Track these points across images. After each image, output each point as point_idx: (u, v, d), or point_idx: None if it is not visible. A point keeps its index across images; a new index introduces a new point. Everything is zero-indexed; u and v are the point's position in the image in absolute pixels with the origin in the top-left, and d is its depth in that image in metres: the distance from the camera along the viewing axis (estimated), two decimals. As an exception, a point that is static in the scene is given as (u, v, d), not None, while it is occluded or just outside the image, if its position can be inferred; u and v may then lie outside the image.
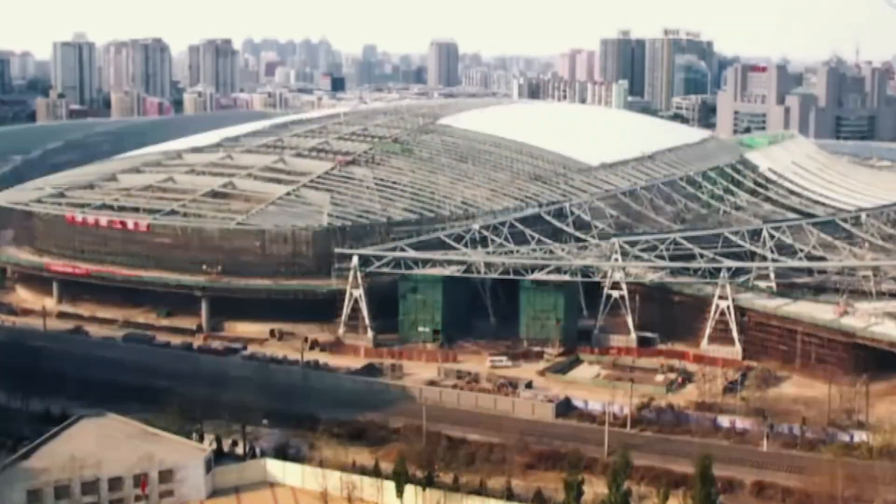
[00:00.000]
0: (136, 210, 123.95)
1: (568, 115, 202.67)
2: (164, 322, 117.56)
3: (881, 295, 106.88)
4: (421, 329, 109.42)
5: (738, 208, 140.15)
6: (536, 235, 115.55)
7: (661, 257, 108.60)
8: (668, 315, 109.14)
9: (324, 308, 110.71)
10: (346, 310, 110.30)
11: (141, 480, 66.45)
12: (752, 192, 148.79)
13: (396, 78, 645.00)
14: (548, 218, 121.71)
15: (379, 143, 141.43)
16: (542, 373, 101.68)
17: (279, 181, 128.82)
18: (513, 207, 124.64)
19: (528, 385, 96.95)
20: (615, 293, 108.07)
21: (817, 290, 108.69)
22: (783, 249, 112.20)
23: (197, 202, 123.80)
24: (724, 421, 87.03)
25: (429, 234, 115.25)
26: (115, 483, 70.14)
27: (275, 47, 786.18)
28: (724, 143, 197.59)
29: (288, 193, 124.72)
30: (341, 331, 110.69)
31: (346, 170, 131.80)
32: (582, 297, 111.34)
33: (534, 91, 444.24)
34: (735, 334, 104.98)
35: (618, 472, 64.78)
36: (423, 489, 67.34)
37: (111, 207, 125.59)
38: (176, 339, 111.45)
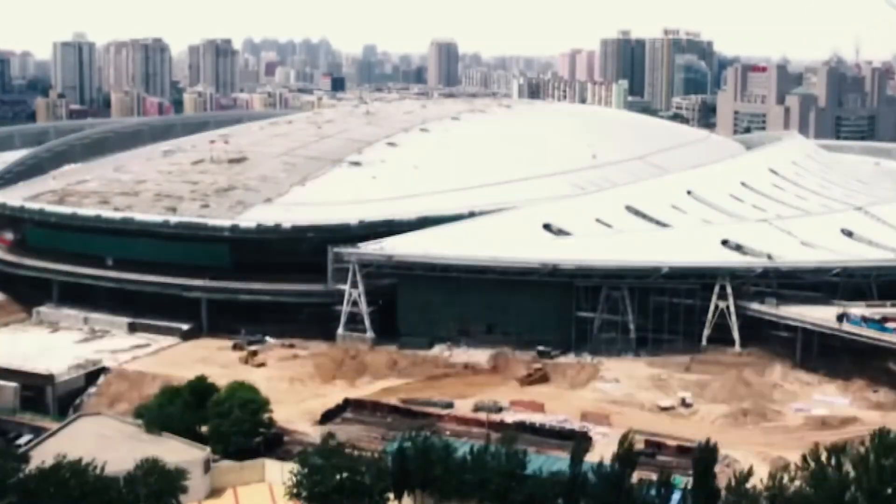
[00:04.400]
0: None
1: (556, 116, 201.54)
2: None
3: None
4: None
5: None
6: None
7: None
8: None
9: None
10: (344, 310, 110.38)
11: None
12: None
13: (396, 78, 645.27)
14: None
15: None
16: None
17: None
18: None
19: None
20: (615, 293, 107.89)
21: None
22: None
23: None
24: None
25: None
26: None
27: (275, 47, 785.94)
28: (723, 142, 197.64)
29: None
30: (340, 331, 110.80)
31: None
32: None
33: (534, 91, 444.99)
34: (736, 337, 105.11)
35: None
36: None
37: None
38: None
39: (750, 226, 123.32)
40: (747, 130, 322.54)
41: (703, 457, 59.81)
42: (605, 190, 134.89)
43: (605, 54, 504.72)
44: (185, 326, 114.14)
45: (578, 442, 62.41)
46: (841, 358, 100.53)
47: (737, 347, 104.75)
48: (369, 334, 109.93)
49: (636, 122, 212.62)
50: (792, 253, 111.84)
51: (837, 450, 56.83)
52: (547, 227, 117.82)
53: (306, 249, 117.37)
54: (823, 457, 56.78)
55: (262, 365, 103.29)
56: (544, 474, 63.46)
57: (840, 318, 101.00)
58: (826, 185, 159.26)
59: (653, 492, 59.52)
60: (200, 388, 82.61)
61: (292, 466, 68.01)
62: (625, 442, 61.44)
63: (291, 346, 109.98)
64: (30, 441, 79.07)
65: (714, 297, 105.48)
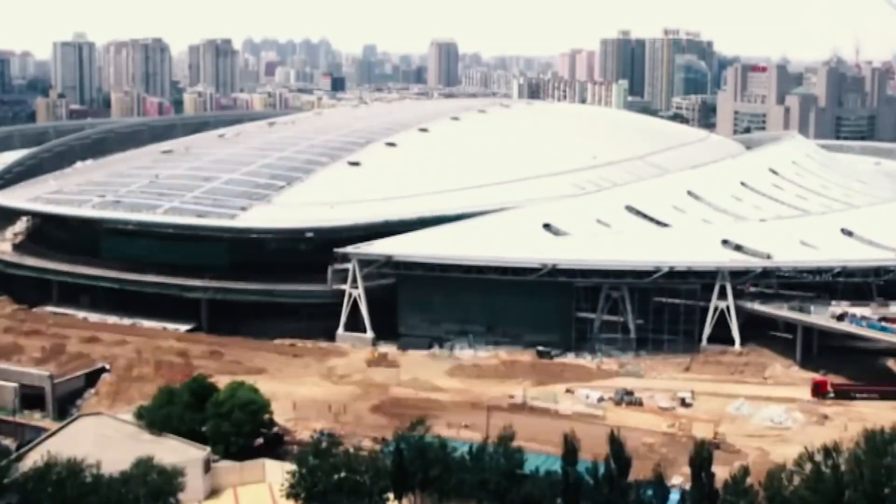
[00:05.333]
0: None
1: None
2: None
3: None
4: None
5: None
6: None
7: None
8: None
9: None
10: (345, 310, 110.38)
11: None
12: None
13: (396, 78, 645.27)
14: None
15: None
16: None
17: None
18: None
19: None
20: (615, 293, 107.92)
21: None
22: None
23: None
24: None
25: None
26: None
27: (275, 47, 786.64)
28: (723, 142, 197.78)
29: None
30: (340, 331, 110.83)
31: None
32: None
33: (534, 91, 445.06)
34: (736, 336, 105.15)
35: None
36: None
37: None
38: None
39: (750, 226, 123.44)
40: (747, 130, 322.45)
41: (701, 456, 59.75)
42: (605, 190, 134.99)
43: (605, 54, 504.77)
44: (185, 327, 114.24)
45: (570, 443, 62.18)
46: (841, 358, 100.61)
47: (737, 347, 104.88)
48: (369, 334, 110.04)
49: (636, 122, 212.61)
50: (792, 253, 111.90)
51: (833, 450, 56.75)
52: (547, 227, 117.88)
53: (306, 249, 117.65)
54: (819, 457, 56.71)
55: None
56: (542, 474, 63.47)
57: (840, 317, 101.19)
58: (826, 185, 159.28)
59: (650, 491, 59.50)
60: (200, 389, 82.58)
61: (290, 466, 68.01)
62: (613, 441, 61.29)
63: (293, 345, 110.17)
64: (29, 442, 79.06)
65: (714, 297, 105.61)
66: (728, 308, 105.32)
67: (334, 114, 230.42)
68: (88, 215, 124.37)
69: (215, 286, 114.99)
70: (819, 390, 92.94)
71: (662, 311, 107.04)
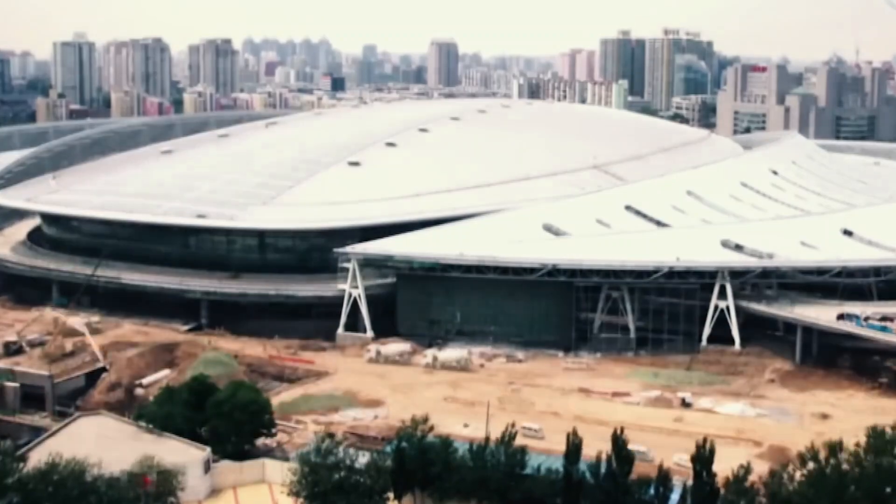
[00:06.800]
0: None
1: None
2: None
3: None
4: None
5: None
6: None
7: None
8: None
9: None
10: (344, 310, 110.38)
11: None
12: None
13: (396, 78, 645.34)
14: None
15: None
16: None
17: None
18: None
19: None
20: (615, 293, 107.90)
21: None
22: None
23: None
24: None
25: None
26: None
27: (275, 47, 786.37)
28: (723, 142, 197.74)
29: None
30: (340, 331, 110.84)
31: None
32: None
33: (534, 91, 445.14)
34: (736, 336, 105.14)
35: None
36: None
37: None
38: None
39: (750, 226, 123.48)
40: (747, 130, 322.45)
41: (703, 455, 59.73)
42: (605, 190, 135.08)
43: (605, 54, 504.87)
44: (185, 327, 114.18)
45: (573, 441, 62.19)
46: (840, 357, 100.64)
47: (737, 347, 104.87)
48: (369, 334, 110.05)
49: (636, 122, 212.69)
50: (792, 253, 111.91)
51: (835, 448, 56.74)
52: (547, 227, 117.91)
53: (306, 250, 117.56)
54: (821, 455, 56.69)
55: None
56: (543, 473, 63.47)
57: (840, 318, 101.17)
58: (826, 185, 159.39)
59: (651, 490, 59.47)
60: (200, 389, 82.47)
61: (292, 465, 68.02)
62: (618, 439, 61.19)
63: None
64: (28, 442, 79.07)
65: (714, 297, 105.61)
66: (728, 308, 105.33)
67: (334, 114, 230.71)
68: (88, 215, 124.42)
69: (215, 286, 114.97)
70: None
71: (662, 311, 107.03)
